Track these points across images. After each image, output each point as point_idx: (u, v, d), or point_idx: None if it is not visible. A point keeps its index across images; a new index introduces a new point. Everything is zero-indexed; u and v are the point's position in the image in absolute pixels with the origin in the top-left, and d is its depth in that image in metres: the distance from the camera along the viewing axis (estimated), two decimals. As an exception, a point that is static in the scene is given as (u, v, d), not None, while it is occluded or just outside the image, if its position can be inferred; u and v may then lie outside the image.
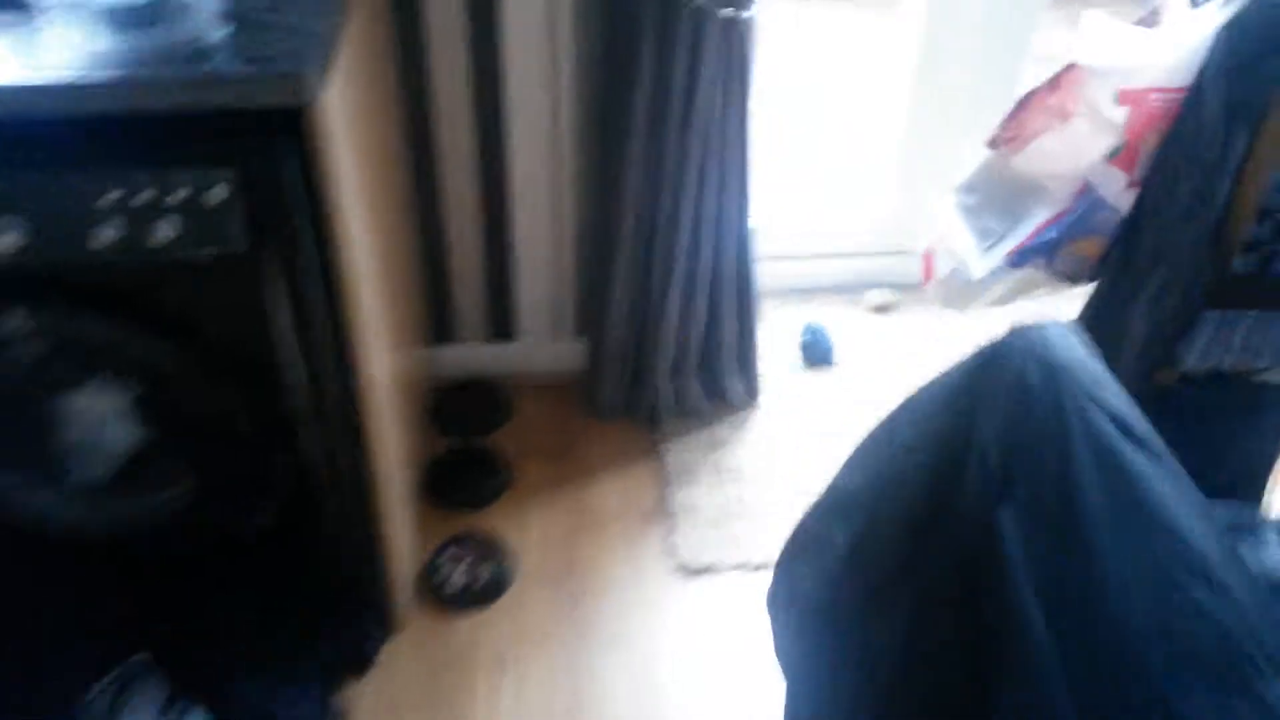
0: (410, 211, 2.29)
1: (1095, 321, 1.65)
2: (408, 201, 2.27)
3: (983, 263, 1.67)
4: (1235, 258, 1.59)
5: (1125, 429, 0.99)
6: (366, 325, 1.61)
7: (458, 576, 2.07)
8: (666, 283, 2.29)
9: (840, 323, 2.80)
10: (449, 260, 2.44)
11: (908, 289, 2.89)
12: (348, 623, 1.90)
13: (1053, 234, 1.59)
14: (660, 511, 2.28)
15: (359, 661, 1.91)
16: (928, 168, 2.71)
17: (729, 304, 2.39)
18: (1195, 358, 1.57)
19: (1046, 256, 1.62)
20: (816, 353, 2.68)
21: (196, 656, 1.77)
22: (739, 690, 1.89)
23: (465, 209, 2.37)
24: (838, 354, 2.69)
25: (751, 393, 2.56)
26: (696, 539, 2.19)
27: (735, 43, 2.01)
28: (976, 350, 1.13)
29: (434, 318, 2.52)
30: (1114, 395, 1.01)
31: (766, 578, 2.08)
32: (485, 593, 2.05)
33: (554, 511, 2.27)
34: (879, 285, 2.88)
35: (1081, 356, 1.04)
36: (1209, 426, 1.62)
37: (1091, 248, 1.60)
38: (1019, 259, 1.63)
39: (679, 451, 2.43)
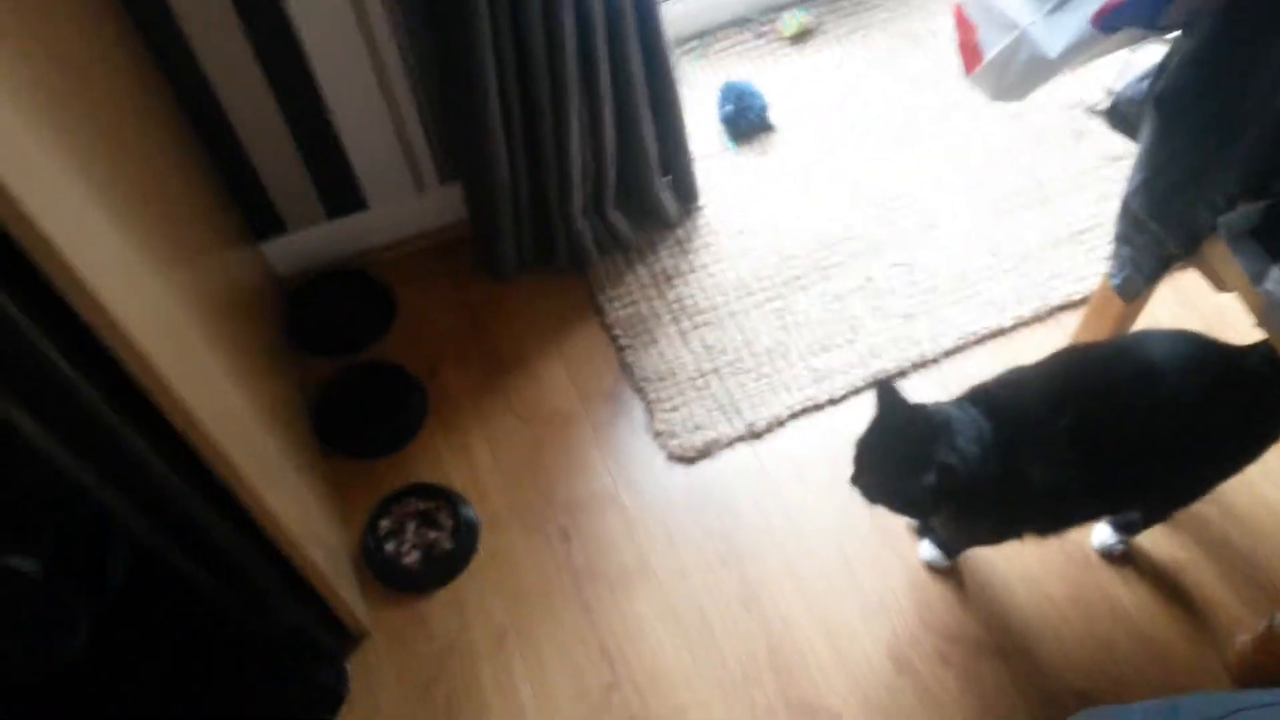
0: (157, 113, 1.54)
1: (1211, 73, 1.19)
2: (144, 104, 1.51)
3: (1055, 33, 1.15)
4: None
5: None
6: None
7: (408, 548, 1.61)
8: (560, 94, 1.66)
9: (760, 70, 2.22)
10: (246, 152, 1.74)
11: (819, 3, 2.31)
12: (297, 671, 1.46)
13: (1168, -24, 1.07)
14: (625, 387, 1.83)
15: (327, 703, 1.50)
16: None
17: (639, 96, 1.79)
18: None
19: (1150, 13, 1.10)
20: (748, 120, 2.12)
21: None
22: (779, 595, 1.58)
23: (244, 87, 1.65)
24: (771, 112, 2.15)
25: (689, 199, 2.03)
26: (681, 417, 1.76)
27: None
28: None
29: (248, 214, 1.84)
30: None
31: (777, 444, 1.76)
32: (451, 557, 1.60)
33: (495, 425, 1.78)
34: (786, 6, 2.28)
35: None
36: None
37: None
38: (1112, 20, 1.12)
39: (622, 301, 1.92)
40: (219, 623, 1.31)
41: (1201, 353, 1.31)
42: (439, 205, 1.99)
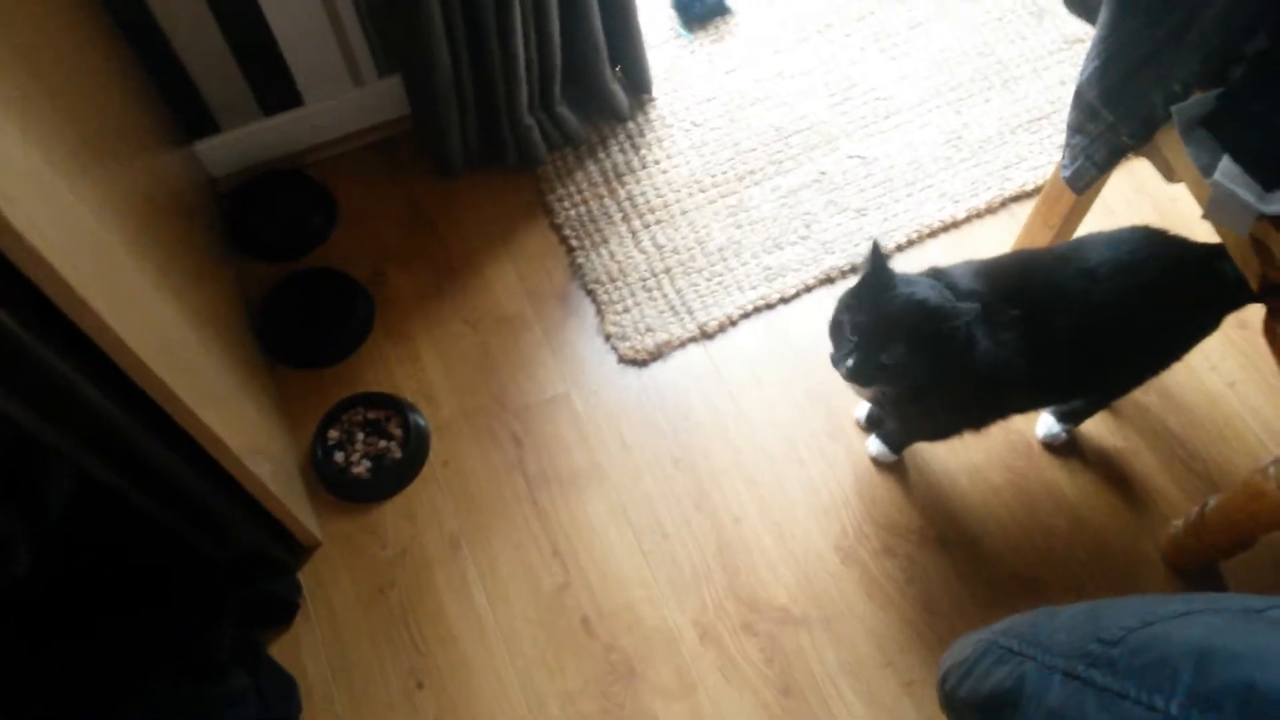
0: (78, 11, 1.44)
1: None
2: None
3: None
4: None
5: None
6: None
7: (358, 458, 1.60)
8: (497, -16, 1.58)
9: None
10: (172, 47, 1.64)
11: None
12: (248, 584, 1.46)
13: None
14: (575, 289, 1.79)
15: (282, 613, 1.51)
16: None
17: (584, -17, 1.71)
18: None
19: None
20: (702, 4, 2.04)
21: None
22: (731, 494, 1.60)
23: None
24: (727, -4, 2.07)
25: (641, 90, 1.96)
26: (633, 318, 1.74)
27: None
28: None
29: (179, 114, 1.76)
30: None
31: (729, 345, 1.74)
32: (401, 466, 1.59)
33: (444, 330, 1.75)
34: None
35: None
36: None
37: None
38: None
39: (572, 200, 1.87)
40: (169, 544, 1.31)
41: (1145, 248, 1.31)
42: (379, 100, 1.91)
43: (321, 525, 1.56)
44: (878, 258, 1.24)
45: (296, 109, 1.86)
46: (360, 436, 1.61)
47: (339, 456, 1.59)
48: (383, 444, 1.60)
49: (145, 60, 1.64)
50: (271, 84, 1.80)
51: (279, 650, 1.47)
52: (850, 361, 1.25)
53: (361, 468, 1.58)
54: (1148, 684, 0.55)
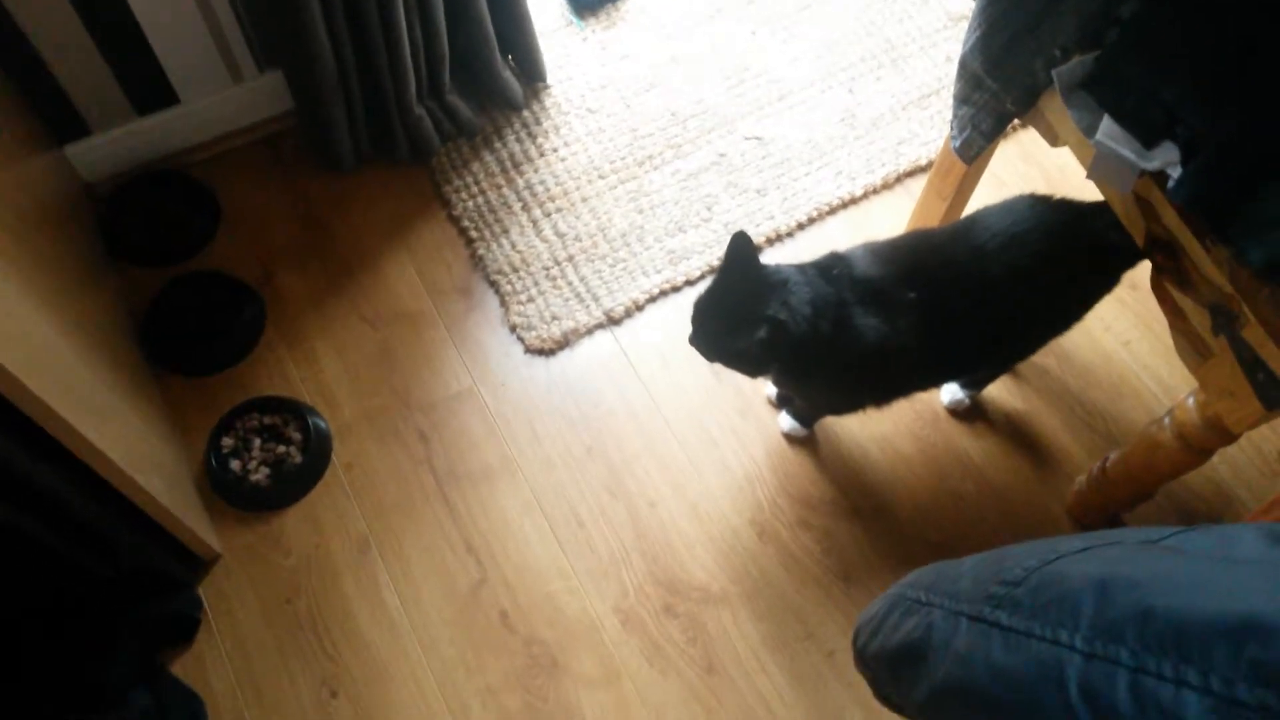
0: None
1: None
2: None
3: None
4: None
5: None
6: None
7: (255, 465, 1.53)
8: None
9: (602, -63, 2.10)
10: (32, 43, 1.54)
11: None
12: (144, 603, 1.38)
13: None
14: (477, 281, 1.75)
15: (183, 629, 1.43)
16: None
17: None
18: None
19: None
20: (591, -8, 2.02)
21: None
22: (645, 478, 1.58)
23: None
24: (616, -18, 2.05)
25: (534, 78, 1.93)
26: (537, 308, 1.71)
27: None
28: None
29: (43, 117, 1.66)
30: None
31: (636, 329, 1.73)
32: (302, 471, 1.53)
33: (341, 329, 1.69)
34: None
35: None
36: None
37: None
38: None
39: (469, 191, 1.83)
40: (57, 567, 1.23)
41: (1032, 217, 1.34)
42: (260, 96, 1.83)
43: (220, 537, 1.49)
44: (737, 247, 1.28)
45: (173, 108, 1.77)
46: (257, 443, 1.54)
47: (235, 464, 1.52)
48: (281, 449, 1.54)
49: (2, 60, 1.54)
50: (144, 82, 1.71)
51: (182, 668, 1.39)
52: (696, 344, 1.35)
53: (260, 475, 1.51)
54: (1051, 620, 0.55)
